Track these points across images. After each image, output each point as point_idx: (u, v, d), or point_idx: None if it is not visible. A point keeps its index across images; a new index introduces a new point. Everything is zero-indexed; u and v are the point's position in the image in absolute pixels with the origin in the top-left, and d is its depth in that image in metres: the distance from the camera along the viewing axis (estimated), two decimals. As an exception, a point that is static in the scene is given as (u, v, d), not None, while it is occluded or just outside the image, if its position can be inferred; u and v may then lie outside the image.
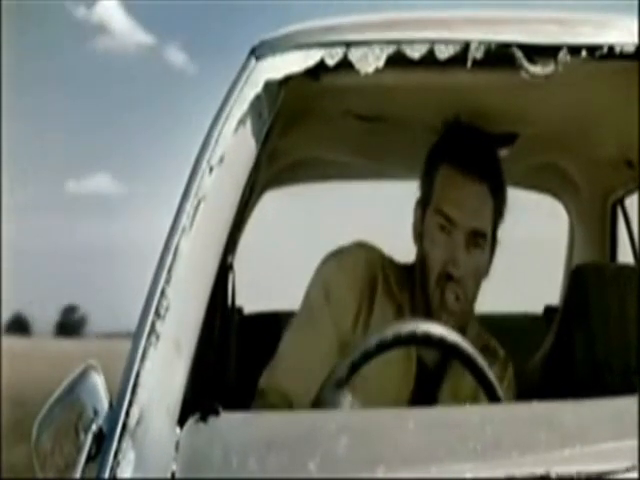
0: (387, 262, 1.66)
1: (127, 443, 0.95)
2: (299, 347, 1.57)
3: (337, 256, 1.63)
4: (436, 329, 1.26)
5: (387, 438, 1.00)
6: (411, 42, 1.25)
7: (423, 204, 1.63)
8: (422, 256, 1.61)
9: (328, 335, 1.55)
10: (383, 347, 1.24)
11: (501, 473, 0.92)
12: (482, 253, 1.58)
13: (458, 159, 1.57)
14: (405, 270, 1.66)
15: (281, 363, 1.56)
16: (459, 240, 1.55)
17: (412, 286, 1.63)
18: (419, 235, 1.62)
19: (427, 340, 1.26)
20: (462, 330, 1.49)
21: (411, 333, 1.23)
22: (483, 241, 1.57)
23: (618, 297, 1.88)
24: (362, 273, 1.60)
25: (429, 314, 1.57)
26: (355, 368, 1.24)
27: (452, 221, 1.55)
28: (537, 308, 2.48)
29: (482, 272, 1.60)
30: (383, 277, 1.62)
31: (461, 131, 1.64)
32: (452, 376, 1.56)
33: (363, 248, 1.65)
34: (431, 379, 1.58)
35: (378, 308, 1.59)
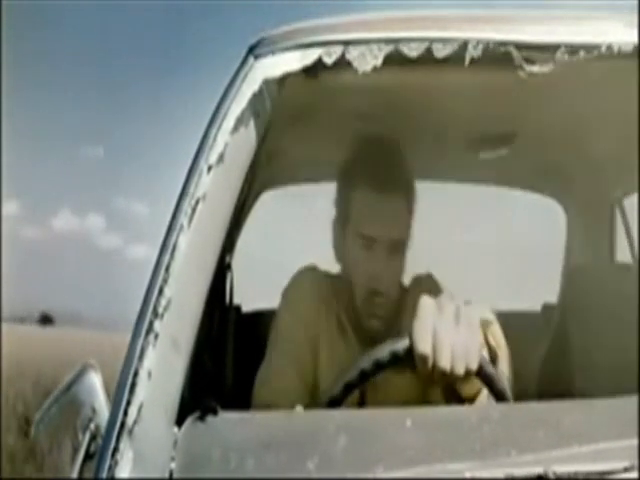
0: (327, 279, 1.74)
1: (125, 442, 0.95)
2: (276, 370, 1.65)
3: (286, 290, 1.73)
4: (385, 349, 1.24)
5: (386, 438, 1.00)
6: (409, 41, 1.25)
7: (341, 224, 1.69)
8: (347, 274, 1.69)
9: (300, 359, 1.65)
10: (380, 366, 1.23)
11: (500, 473, 0.92)
12: (402, 256, 1.66)
13: (371, 179, 1.62)
14: (340, 282, 1.73)
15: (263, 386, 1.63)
16: (380, 256, 1.61)
17: (345, 298, 1.71)
18: (340, 254, 1.71)
19: (382, 365, 1.24)
20: (398, 320, 1.61)
21: (407, 349, 1.22)
22: (403, 246, 1.65)
23: (616, 296, 1.88)
24: (306, 302, 1.69)
25: (361, 323, 1.67)
26: (350, 388, 1.23)
27: (372, 239, 1.61)
28: (535, 306, 2.48)
29: (401, 273, 1.68)
30: (326, 296, 1.71)
31: (370, 148, 1.68)
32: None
33: (304, 276, 1.74)
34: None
35: (325, 325, 1.69)
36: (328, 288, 1.72)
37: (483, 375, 1.23)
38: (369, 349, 1.25)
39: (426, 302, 1.23)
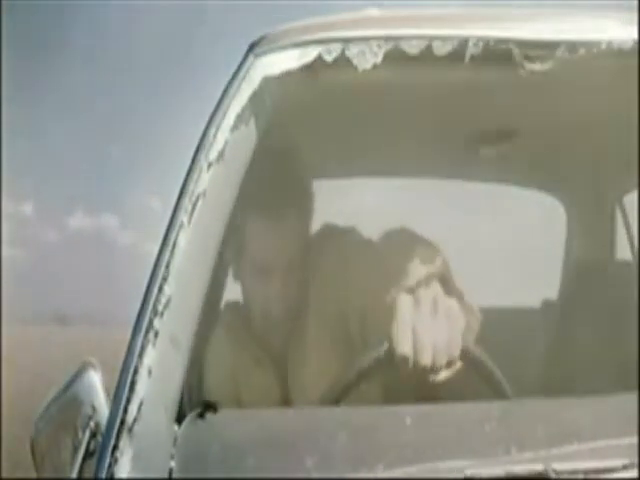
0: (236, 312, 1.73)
1: (125, 440, 0.95)
2: None
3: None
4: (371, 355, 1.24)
5: (386, 435, 1.00)
6: (409, 38, 1.25)
7: (236, 250, 1.65)
8: (244, 297, 1.68)
9: None
10: (364, 375, 1.22)
11: (500, 470, 0.92)
12: (298, 269, 1.61)
13: (259, 208, 1.58)
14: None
15: None
16: (275, 282, 1.59)
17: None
18: (236, 277, 1.68)
19: (371, 371, 1.23)
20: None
21: (387, 351, 1.21)
22: (299, 260, 1.61)
23: (616, 293, 1.88)
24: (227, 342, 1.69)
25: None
26: (349, 389, 1.23)
27: (266, 269, 1.59)
28: (534, 302, 2.48)
29: (302, 285, 1.63)
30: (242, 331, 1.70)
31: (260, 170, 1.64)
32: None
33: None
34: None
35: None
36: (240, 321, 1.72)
37: (469, 361, 1.22)
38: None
39: (402, 299, 1.21)
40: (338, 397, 1.21)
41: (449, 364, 1.19)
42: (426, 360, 1.17)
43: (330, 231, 1.73)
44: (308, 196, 1.68)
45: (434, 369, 1.18)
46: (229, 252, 1.62)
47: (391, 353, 1.19)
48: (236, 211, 1.60)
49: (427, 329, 1.18)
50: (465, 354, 1.21)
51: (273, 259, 1.59)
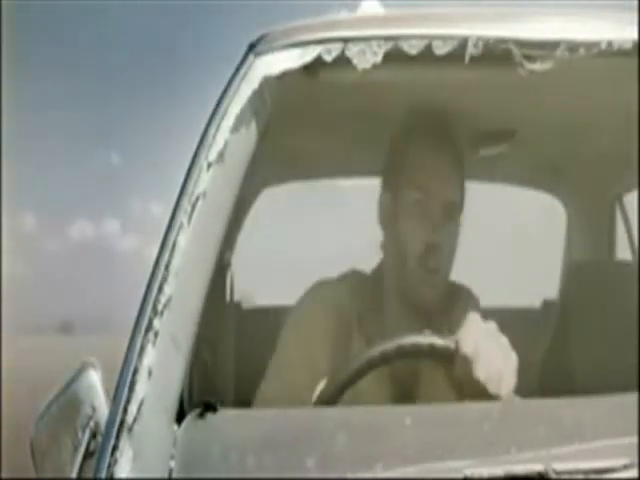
0: (348, 291, 1.63)
1: (125, 440, 0.95)
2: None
3: (300, 307, 1.62)
4: (425, 338, 1.27)
5: (386, 435, 1.00)
6: (409, 38, 1.25)
7: (393, 187, 1.61)
8: (398, 236, 1.58)
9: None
10: (376, 362, 1.25)
11: (499, 470, 0.92)
12: (456, 225, 1.59)
13: (429, 137, 1.59)
14: (370, 281, 1.65)
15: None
16: (437, 211, 1.54)
17: (379, 292, 1.62)
18: (392, 218, 1.60)
19: (415, 352, 1.27)
20: (450, 299, 1.56)
21: (431, 345, 1.25)
22: (457, 213, 1.59)
23: (616, 293, 1.88)
24: (326, 318, 1.58)
25: (408, 296, 1.57)
26: (345, 387, 1.24)
27: (429, 192, 1.54)
28: (535, 302, 2.48)
29: (455, 245, 1.59)
30: (348, 312, 1.60)
31: (422, 119, 1.64)
32: (427, 383, 1.54)
33: (322, 290, 1.64)
34: (407, 393, 1.56)
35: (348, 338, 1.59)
36: (346, 295, 1.62)
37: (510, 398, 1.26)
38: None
39: (475, 317, 1.31)
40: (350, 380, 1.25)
41: (496, 396, 1.24)
42: (482, 373, 1.24)
43: None
44: (463, 169, 1.63)
45: (483, 388, 1.24)
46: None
47: (432, 347, 1.26)
48: (398, 141, 1.63)
49: (490, 349, 1.26)
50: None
51: (437, 183, 1.56)
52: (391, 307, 1.61)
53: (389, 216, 1.61)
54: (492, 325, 1.32)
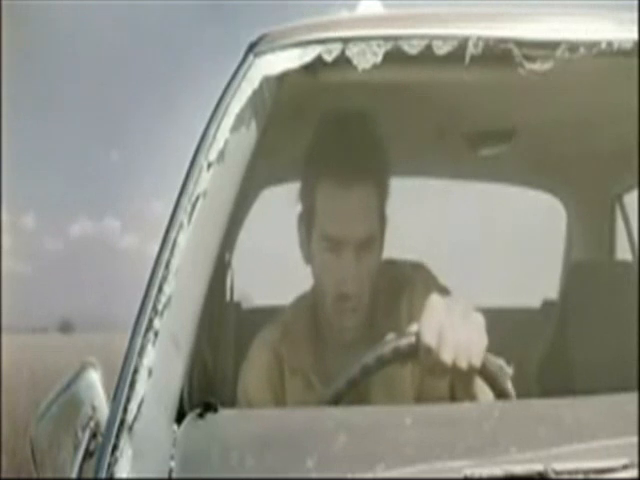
0: (284, 328, 1.64)
1: (125, 440, 0.95)
2: None
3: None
4: (387, 345, 1.25)
5: (385, 435, 1.00)
6: (409, 38, 1.25)
7: (307, 223, 1.56)
8: (315, 278, 1.58)
9: None
10: (383, 362, 1.24)
11: (499, 470, 0.92)
12: (373, 252, 1.53)
13: (335, 171, 1.49)
14: (305, 313, 1.64)
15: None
16: (349, 257, 1.49)
17: (313, 319, 1.62)
18: (307, 257, 1.58)
19: (383, 362, 1.24)
20: (373, 329, 1.51)
21: (411, 345, 1.23)
22: (374, 242, 1.53)
23: (616, 293, 1.88)
24: (266, 366, 1.61)
25: (332, 337, 1.59)
26: (352, 384, 1.23)
27: (339, 242, 1.49)
28: (535, 302, 2.48)
29: (375, 266, 1.55)
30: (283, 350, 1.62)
31: (336, 131, 1.53)
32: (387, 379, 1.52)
33: (260, 342, 1.65)
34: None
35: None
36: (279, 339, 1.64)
37: (486, 373, 1.24)
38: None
39: (435, 301, 1.25)
40: (356, 378, 1.23)
41: (470, 370, 1.22)
42: (448, 356, 1.20)
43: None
44: (386, 177, 1.56)
45: (455, 369, 1.21)
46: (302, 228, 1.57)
47: (413, 346, 1.22)
48: (305, 180, 1.55)
49: (454, 329, 1.21)
50: (484, 365, 1.23)
51: (346, 229, 1.49)
52: (322, 333, 1.63)
53: (304, 252, 1.60)
54: (452, 298, 1.28)
